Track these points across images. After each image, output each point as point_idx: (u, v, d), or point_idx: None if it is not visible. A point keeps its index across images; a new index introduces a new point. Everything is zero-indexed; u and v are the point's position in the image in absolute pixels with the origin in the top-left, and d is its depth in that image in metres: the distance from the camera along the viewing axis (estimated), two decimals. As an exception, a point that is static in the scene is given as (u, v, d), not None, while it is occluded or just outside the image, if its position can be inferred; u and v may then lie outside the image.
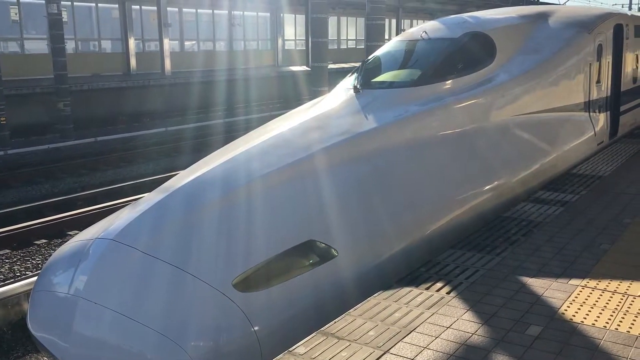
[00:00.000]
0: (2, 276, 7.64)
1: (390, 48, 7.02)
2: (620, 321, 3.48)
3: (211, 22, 28.60)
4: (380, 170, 5.08)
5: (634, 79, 10.04)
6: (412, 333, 3.37)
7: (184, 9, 27.19)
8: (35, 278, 5.74)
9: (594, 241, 4.80)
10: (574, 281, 4.04)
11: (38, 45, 22.17)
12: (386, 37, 27.29)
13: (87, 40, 24.53)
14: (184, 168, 5.24)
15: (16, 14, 21.15)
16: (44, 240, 8.96)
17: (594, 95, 8.06)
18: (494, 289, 3.94)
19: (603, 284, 4.00)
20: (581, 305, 3.69)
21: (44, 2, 17.80)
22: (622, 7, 48.08)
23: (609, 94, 8.63)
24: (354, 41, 37.10)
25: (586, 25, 7.98)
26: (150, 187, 10.33)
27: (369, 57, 7.06)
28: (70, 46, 22.00)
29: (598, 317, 3.54)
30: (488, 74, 6.48)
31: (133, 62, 24.50)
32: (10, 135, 16.06)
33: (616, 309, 3.64)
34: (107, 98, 20.52)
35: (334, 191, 4.67)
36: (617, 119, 9.08)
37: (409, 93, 5.91)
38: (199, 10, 27.88)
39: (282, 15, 31.22)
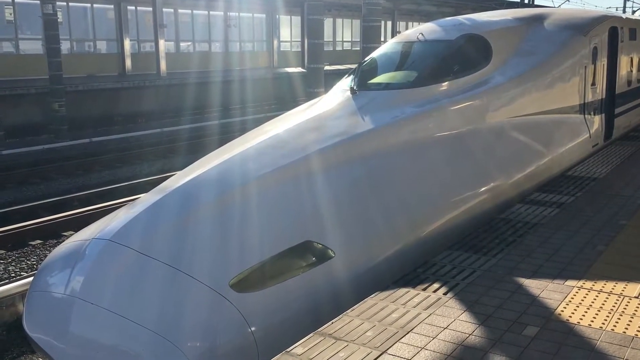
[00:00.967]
0: (-4, 277, 7.61)
1: (387, 50, 7.03)
2: (616, 322, 3.50)
3: (207, 24, 28.60)
4: (377, 172, 5.08)
5: (629, 82, 10.09)
6: (409, 334, 3.37)
7: (180, 10, 27.19)
8: (30, 279, 5.72)
9: (589, 242, 4.82)
10: (570, 282, 4.06)
11: (33, 46, 22.11)
12: (382, 39, 27.35)
13: (83, 41, 24.49)
14: (180, 169, 5.24)
15: (11, 14, 21.10)
16: (39, 241, 8.93)
17: (589, 97, 8.10)
18: (491, 289, 3.95)
19: (599, 285, 4.02)
20: (577, 306, 3.70)
21: (39, 2, 17.75)
22: (617, 9, 48.32)
23: (604, 96, 8.67)
24: (350, 43, 37.16)
25: (581, 27, 8.02)
26: (145, 188, 10.31)
27: (366, 59, 7.07)
28: (65, 47, 21.96)
29: (594, 318, 3.55)
30: (484, 76, 6.50)
31: (128, 62, 24.47)
32: (5, 136, 16.01)
33: (612, 310, 3.65)
34: (102, 99, 20.48)
35: (331, 192, 4.67)
36: (612, 121, 9.13)
37: (406, 95, 5.92)
38: (194, 12, 27.88)
39: (277, 16, 31.25)
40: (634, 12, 47.76)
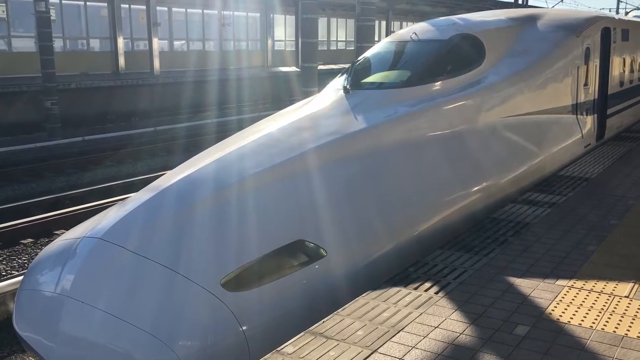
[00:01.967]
0: (-13, 276, 7.56)
1: (380, 49, 7.03)
2: (607, 321, 3.51)
3: (201, 22, 28.53)
4: (370, 171, 5.08)
5: (621, 82, 10.13)
6: (400, 332, 3.37)
7: (174, 9, 27.09)
8: (21, 277, 5.69)
9: (580, 242, 4.84)
10: (561, 282, 4.07)
11: (26, 44, 21.99)
12: (376, 38, 27.36)
13: (76, 39, 24.37)
14: (173, 168, 5.22)
15: (3, 11, 20.97)
16: (30, 240, 8.89)
17: (582, 97, 8.13)
18: (482, 289, 3.96)
19: (590, 284, 4.03)
20: (568, 306, 3.71)
21: (32, 0, 17.66)
22: (610, 10, 48.53)
23: (596, 96, 8.71)
24: (344, 42, 37.15)
25: (574, 28, 8.05)
26: (138, 186, 10.27)
27: (359, 58, 7.07)
28: (58, 44, 21.86)
29: (585, 317, 3.56)
30: (477, 75, 6.51)
31: (122, 61, 24.37)
32: (-3, 134, 15.94)
33: (602, 309, 3.67)
34: (96, 97, 20.39)
35: (323, 191, 4.67)
36: (604, 121, 9.16)
37: (399, 94, 5.93)
38: (188, 10, 27.80)
39: (272, 15, 31.20)
40: (627, 12, 47.97)
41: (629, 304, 3.73)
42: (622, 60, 10.09)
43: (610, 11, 45.30)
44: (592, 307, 3.70)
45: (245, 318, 3.61)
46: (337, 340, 3.28)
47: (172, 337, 3.41)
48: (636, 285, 4.00)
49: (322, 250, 4.19)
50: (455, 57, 6.57)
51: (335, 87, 6.25)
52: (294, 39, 31.56)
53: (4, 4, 20.94)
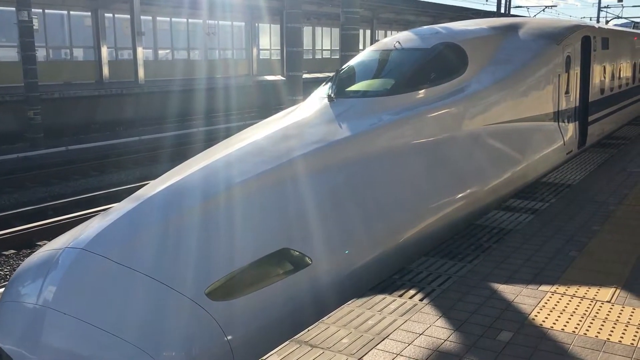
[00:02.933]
0: (-32, 288, 7.45)
1: (364, 58, 7.08)
2: (589, 326, 3.54)
3: (186, 31, 28.51)
4: (354, 179, 5.10)
5: (602, 90, 10.28)
6: (385, 340, 3.38)
7: (158, 18, 27.06)
8: (2, 289, 5.61)
9: (563, 248, 4.89)
10: (543, 287, 4.11)
11: (8, 53, 21.83)
12: (360, 47, 27.50)
13: (59, 48, 24.23)
14: (157, 177, 5.20)
15: (-15, 21, 20.81)
16: (13, 251, 8.79)
17: (563, 105, 8.23)
18: (466, 295, 3.98)
19: (572, 290, 4.07)
20: (551, 311, 3.74)
21: (14, 9, 17.54)
22: (591, 19, 49.25)
23: (577, 104, 8.82)
24: (329, 51, 37.33)
25: (555, 36, 8.16)
26: (122, 196, 10.20)
27: (343, 67, 7.11)
28: (41, 54, 21.70)
29: (567, 322, 3.60)
30: (460, 84, 6.57)
31: (106, 70, 24.29)
32: (-21, 144, 15.76)
33: (584, 314, 3.70)
34: (79, 106, 20.25)
35: (308, 199, 4.67)
36: (585, 129, 9.28)
37: (383, 102, 5.96)
38: (173, 19, 27.78)
39: (257, 25, 31.28)
40: (607, 21, 48.70)
41: (611, 308, 3.78)
42: (602, 68, 10.23)
43: (591, 20, 45.95)
44: (574, 312, 3.73)
45: (230, 327, 3.59)
46: (322, 348, 3.28)
47: (156, 347, 3.38)
48: (618, 290, 4.05)
49: (307, 259, 4.19)
50: (438, 65, 6.63)
51: (320, 96, 6.27)
52: (279, 47, 31.65)
53: (-14, 14, 20.79)
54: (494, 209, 6.02)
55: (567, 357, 3.19)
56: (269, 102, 24.21)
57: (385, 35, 38.84)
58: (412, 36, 7.24)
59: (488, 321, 3.61)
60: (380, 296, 3.96)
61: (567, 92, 8.34)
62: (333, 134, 5.40)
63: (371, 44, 33.65)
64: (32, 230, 9.29)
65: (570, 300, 3.90)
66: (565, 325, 3.55)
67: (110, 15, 25.09)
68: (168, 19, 27.57)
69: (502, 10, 34.42)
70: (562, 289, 4.08)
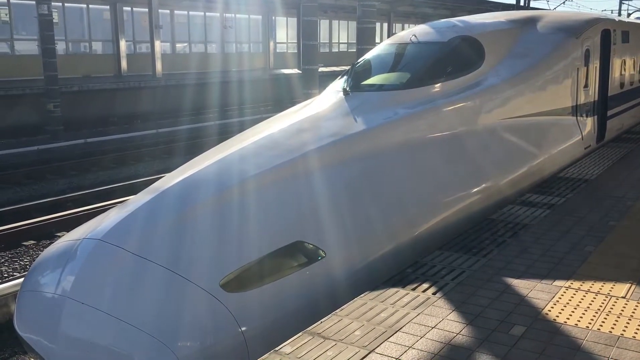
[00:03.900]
0: (-11, 277, 7.61)
1: (380, 51, 7.06)
2: (603, 322, 3.53)
3: (203, 25, 28.60)
4: (369, 173, 5.11)
5: (621, 84, 10.14)
6: (397, 333, 3.39)
7: (176, 11, 27.18)
8: (22, 279, 5.72)
9: (579, 243, 4.85)
10: (558, 282, 4.09)
11: (28, 46, 22.08)
12: (377, 40, 27.39)
13: (78, 42, 24.46)
14: (174, 169, 5.25)
15: (6, 14, 21.06)
16: (33, 242, 8.93)
17: (582, 99, 8.14)
18: (480, 289, 3.98)
19: (587, 285, 4.05)
20: (565, 306, 3.73)
21: (34, 2, 17.74)
22: (612, 12, 48.51)
23: (596, 98, 8.72)
24: (346, 44, 37.22)
25: (574, 30, 8.07)
26: (140, 188, 10.30)
27: (359, 60, 7.10)
28: (60, 47, 21.92)
29: (581, 317, 3.58)
30: (476, 77, 6.53)
31: (124, 63, 24.47)
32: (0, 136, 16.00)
33: (599, 309, 3.69)
34: (98, 99, 20.47)
35: (323, 192, 4.70)
36: (604, 123, 9.17)
37: (398, 96, 5.95)
38: (190, 13, 27.87)
39: (274, 18, 31.27)
40: (629, 14, 47.94)
41: (625, 304, 3.75)
42: (622, 61, 10.09)
43: (612, 13, 45.28)
44: (588, 307, 3.72)
45: (244, 319, 3.63)
46: (335, 340, 3.31)
47: (171, 337, 3.43)
48: (633, 286, 4.02)
49: (321, 252, 4.22)
50: (455, 59, 6.60)
51: (335, 89, 6.28)
52: (295, 41, 31.64)
53: (6, 7, 21.03)
54: (510, 204, 5.99)
55: (580, 352, 3.18)
56: (284, 96, 24.22)
57: (403, 29, 38.62)
58: (428, 29, 7.20)
59: (501, 315, 3.61)
60: (393, 289, 3.98)
61: (585, 86, 8.25)
62: (348, 127, 5.40)
63: (388, 37, 33.51)
64: (51, 222, 9.44)
65: (584, 295, 3.88)
66: (579, 321, 3.54)
67: (129, 8, 25.25)
68: (185, 12, 27.68)
69: (522, 3, 34.03)
70: (577, 283, 4.06)
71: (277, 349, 3.23)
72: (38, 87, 18.35)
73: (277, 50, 32.04)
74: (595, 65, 8.59)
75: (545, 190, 6.46)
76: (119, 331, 3.45)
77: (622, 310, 3.66)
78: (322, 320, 3.56)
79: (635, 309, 3.68)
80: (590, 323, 3.51)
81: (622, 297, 3.85)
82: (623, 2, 48.49)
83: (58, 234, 9.11)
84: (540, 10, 10.27)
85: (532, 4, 38.26)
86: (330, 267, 4.20)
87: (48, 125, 17.56)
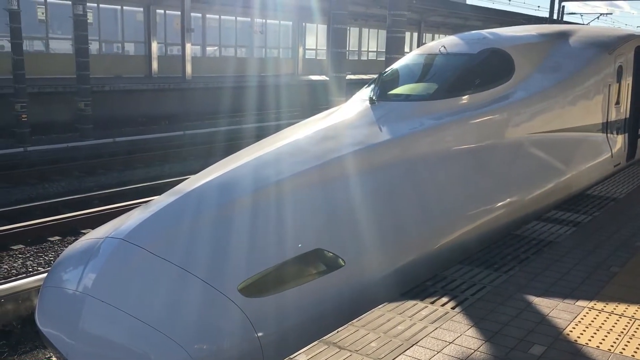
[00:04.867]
0: (14, 271, 7.75)
1: (408, 61, 7.03)
2: (626, 345, 3.44)
3: (234, 29, 28.87)
4: (392, 183, 5.08)
5: None
6: (414, 346, 3.36)
7: (208, 15, 27.48)
8: (46, 274, 5.81)
9: (604, 263, 4.75)
10: (581, 302, 4.01)
11: (62, 45, 22.53)
12: (407, 50, 27.32)
13: (111, 42, 24.87)
14: (198, 171, 5.29)
15: (43, 13, 21.53)
16: (58, 237, 9.08)
17: (612, 116, 8.00)
18: (500, 306, 3.92)
19: (610, 306, 3.96)
20: (587, 327, 3.65)
21: (70, 3, 18.11)
22: (647, 29, 47.60)
23: (627, 115, 8.56)
24: (375, 53, 37.20)
25: (607, 45, 7.94)
26: (164, 189, 10.41)
27: (387, 69, 7.08)
28: (94, 47, 22.32)
29: (603, 339, 3.50)
30: (505, 90, 6.46)
31: (155, 65, 24.79)
32: (31, 133, 16.30)
33: (622, 332, 3.60)
34: (128, 100, 20.77)
35: (345, 201, 4.69)
36: (635, 141, 8.99)
37: (425, 106, 5.91)
38: (222, 17, 28.16)
39: (304, 24, 31.42)
40: (665, 31, 46.99)
41: (651, 328, 3.66)
42: None
43: (647, 29, 44.41)
44: (611, 329, 3.63)
45: (260, 324, 3.63)
46: (350, 351, 3.29)
47: (187, 339, 3.45)
48: (659, 310, 3.92)
49: (340, 260, 4.20)
50: (484, 71, 6.54)
51: (362, 98, 6.27)
52: (324, 48, 31.73)
53: (43, 7, 21.50)
54: (535, 220, 5.90)
55: (601, 376, 3.11)
56: (311, 102, 24.29)
57: (433, 39, 38.47)
58: (458, 41, 7.15)
59: (521, 334, 3.55)
60: (412, 302, 3.94)
61: (617, 103, 8.10)
62: (373, 136, 5.38)
63: (418, 47, 33.41)
64: (77, 218, 9.58)
65: (607, 317, 3.80)
66: (601, 343, 3.46)
67: (162, 11, 25.61)
68: (217, 16, 27.97)
69: (555, 17, 33.65)
70: (600, 305, 3.98)
71: (292, 356, 3.22)
72: (70, 85, 18.69)
73: (306, 57, 32.16)
74: (627, 81, 8.44)
75: (571, 208, 6.35)
76: (136, 330, 3.48)
77: (647, 334, 3.57)
78: (339, 329, 3.54)
79: (660, 334, 3.59)
80: (612, 346, 3.43)
81: (647, 321, 3.76)
82: (659, 18, 47.51)
83: (83, 231, 9.24)
84: (573, 25, 10.12)
85: (565, 18, 37.76)
86: (349, 276, 4.18)
87: (78, 124, 17.87)
